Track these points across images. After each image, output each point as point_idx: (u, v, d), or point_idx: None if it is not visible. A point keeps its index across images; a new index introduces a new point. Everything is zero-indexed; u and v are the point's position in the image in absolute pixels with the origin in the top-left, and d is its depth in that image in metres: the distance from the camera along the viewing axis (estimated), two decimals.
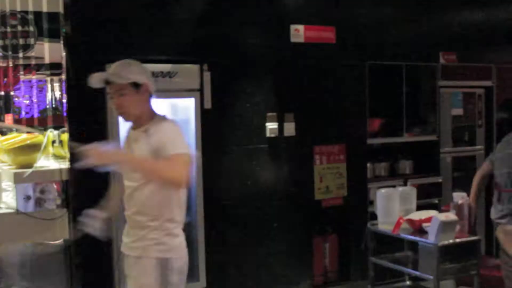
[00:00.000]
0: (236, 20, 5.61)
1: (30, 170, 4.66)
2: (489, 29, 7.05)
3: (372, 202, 5.95)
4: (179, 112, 5.38)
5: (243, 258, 5.62)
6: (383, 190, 5.15)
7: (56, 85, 6.28)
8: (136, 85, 3.30)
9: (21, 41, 6.10)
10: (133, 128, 3.42)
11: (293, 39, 5.83)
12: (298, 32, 5.84)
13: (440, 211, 5.26)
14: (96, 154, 3.04)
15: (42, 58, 6.08)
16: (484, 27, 7.02)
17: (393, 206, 5.06)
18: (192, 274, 5.38)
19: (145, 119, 3.35)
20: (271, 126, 5.67)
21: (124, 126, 4.88)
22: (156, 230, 3.29)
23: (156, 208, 3.28)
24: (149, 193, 3.26)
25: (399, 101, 6.57)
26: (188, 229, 5.44)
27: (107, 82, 3.33)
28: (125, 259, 3.45)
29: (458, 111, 6.90)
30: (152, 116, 3.38)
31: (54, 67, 6.04)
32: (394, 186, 5.64)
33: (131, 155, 3.32)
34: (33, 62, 6.14)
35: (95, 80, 3.33)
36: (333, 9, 6.07)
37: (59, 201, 4.94)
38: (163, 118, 3.40)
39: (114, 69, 3.36)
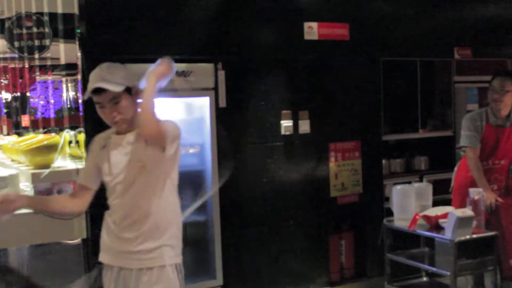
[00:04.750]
0: (250, 19, 5.62)
1: (47, 171, 4.69)
2: (504, 24, 7.00)
3: (387, 199, 5.93)
4: (194, 111, 5.41)
5: (259, 256, 5.64)
6: (398, 187, 5.14)
7: (71, 85, 6.32)
8: (128, 90, 3.13)
9: (36, 43, 6.15)
10: (118, 133, 3.21)
11: (307, 36, 5.83)
12: (312, 30, 5.84)
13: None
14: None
15: (58, 59, 6.12)
16: (499, 21, 6.98)
17: (409, 203, 5.05)
18: (208, 272, 5.42)
19: (135, 122, 3.17)
20: (286, 124, 5.68)
21: None
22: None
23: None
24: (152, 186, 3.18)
25: (413, 97, 6.55)
26: (204, 227, 5.49)
27: (95, 91, 3.08)
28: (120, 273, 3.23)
29: (474, 107, 6.85)
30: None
31: (69, 68, 6.08)
32: (409, 182, 5.63)
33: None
34: (48, 63, 6.19)
35: (89, 88, 3.07)
36: (346, 5, 6.06)
37: None
38: None
39: (102, 76, 3.09)
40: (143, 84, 3.07)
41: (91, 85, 3.08)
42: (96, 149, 3.29)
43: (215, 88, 5.36)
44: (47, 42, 6.12)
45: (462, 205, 5.11)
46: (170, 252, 3.19)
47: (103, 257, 3.29)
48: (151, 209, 3.15)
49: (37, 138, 5.03)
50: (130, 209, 3.16)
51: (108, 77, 3.08)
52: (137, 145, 3.15)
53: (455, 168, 5.63)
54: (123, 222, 3.18)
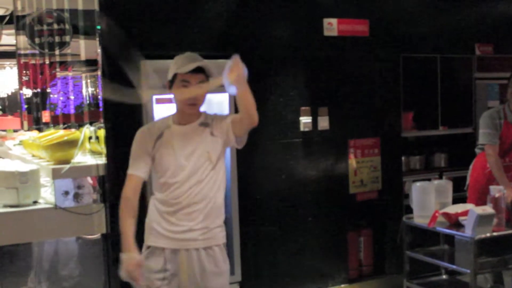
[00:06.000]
0: (268, 14, 5.61)
1: (67, 166, 4.72)
2: None
3: (407, 196, 5.90)
4: (213, 107, 5.40)
5: (277, 252, 5.64)
6: (418, 184, 5.11)
7: (90, 81, 6.35)
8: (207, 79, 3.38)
9: (57, 39, 6.20)
10: (180, 123, 3.43)
11: (326, 32, 5.81)
12: (331, 26, 5.81)
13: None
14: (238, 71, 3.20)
15: (78, 55, 6.16)
16: None
17: (429, 200, 5.02)
18: None
19: (199, 113, 3.46)
20: (305, 120, 5.67)
21: None
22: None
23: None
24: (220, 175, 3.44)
25: (434, 93, 6.51)
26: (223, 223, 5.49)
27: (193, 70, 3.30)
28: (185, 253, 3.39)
29: (495, 103, 6.79)
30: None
31: (89, 64, 6.12)
32: (429, 180, 5.60)
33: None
34: (69, 59, 6.23)
35: (192, 66, 3.30)
36: (366, 1, 6.03)
37: (95, 196, 5.01)
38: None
39: (200, 59, 3.38)
40: (231, 89, 3.31)
41: (191, 64, 3.29)
42: (149, 139, 3.38)
43: None
44: (67, 38, 6.16)
45: (478, 203, 5.08)
46: (223, 232, 3.49)
47: (153, 241, 3.38)
48: (212, 195, 3.37)
49: (58, 133, 5.05)
50: (195, 197, 3.31)
51: (205, 63, 3.37)
52: (204, 137, 3.37)
53: (471, 166, 5.59)
54: (184, 210, 3.32)
